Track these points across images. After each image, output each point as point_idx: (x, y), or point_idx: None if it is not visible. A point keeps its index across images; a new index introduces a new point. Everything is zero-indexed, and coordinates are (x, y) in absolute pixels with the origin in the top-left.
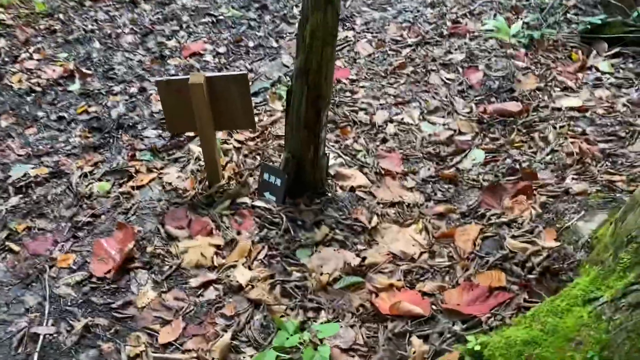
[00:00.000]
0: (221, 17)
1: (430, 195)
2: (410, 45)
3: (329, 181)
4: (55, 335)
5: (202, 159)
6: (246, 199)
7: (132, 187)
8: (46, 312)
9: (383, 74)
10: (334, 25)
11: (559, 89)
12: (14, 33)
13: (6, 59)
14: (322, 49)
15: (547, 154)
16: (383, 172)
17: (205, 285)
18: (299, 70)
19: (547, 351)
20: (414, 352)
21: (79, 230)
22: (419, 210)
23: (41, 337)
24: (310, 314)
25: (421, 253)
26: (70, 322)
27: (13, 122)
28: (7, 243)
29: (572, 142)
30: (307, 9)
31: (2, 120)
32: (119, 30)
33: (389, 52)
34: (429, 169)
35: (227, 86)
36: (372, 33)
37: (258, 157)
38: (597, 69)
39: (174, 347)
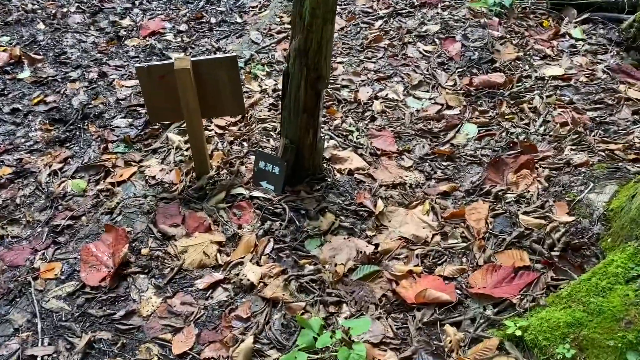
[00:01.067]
0: None
1: (430, 174)
2: (382, 17)
3: (325, 165)
4: (54, 355)
5: (184, 149)
6: (242, 190)
7: (112, 184)
8: (39, 330)
9: (359, 48)
10: (334, 0)
11: (538, 58)
12: None
13: None
14: (322, 28)
15: (540, 125)
16: (378, 152)
17: (213, 286)
18: (297, 51)
19: (594, 332)
20: (450, 342)
21: (59, 235)
22: (422, 190)
23: (39, 359)
24: (332, 309)
25: (433, 235)
26: (69, 339)
27: None
28: None
29: (562, 112)
30: None
31: None
32: (64, 10)
33: (362, 25)
34: (423, 147)
35: (216, 70)
36: (340, 5)
37: (245, 144)
38: (570, 36)
39: (190, 356)
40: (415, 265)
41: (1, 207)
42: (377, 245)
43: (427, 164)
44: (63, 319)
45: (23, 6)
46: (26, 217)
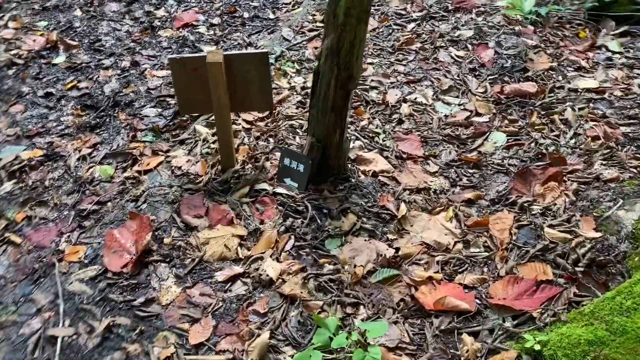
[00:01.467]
0: None
1: (455, 181)
2: (415, 20)
3: (350, 166)
4: (74, 337)
5: (211, 141)
6: (266, 185)
7: (139, 172)
8: (61, 311)
9: (390, 50)
10: (369, 0)
11: (572, 69)
12: None
13: None
14: (356, 27)
15: (571, 138)
16: (404, 155)
17: (233, 279)
18: (329, 50)
19: (616, 352)
20: (467, 351)
21: (84, 219)
22: (446, 197)
23: (59, 339)
24: (349, 310)
25: (455, 243)
26: (90, 322)
27: None
28: (6, 234)
29: (594, 126)
30: None
31: None
32: None
33: (394, 27)
34: (450, 153)
35: (247, 66)
36: (373, 6)
37: (271, 140)
38: (607, 49)
39: (206, 347)
40: (435, 272)
41: (31, 188)
42: (397, 249)
43: (452, 170)
44: (84, 302)
45: None
46: (54, 200)
